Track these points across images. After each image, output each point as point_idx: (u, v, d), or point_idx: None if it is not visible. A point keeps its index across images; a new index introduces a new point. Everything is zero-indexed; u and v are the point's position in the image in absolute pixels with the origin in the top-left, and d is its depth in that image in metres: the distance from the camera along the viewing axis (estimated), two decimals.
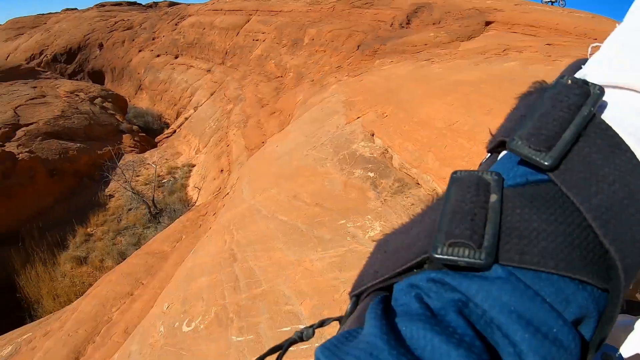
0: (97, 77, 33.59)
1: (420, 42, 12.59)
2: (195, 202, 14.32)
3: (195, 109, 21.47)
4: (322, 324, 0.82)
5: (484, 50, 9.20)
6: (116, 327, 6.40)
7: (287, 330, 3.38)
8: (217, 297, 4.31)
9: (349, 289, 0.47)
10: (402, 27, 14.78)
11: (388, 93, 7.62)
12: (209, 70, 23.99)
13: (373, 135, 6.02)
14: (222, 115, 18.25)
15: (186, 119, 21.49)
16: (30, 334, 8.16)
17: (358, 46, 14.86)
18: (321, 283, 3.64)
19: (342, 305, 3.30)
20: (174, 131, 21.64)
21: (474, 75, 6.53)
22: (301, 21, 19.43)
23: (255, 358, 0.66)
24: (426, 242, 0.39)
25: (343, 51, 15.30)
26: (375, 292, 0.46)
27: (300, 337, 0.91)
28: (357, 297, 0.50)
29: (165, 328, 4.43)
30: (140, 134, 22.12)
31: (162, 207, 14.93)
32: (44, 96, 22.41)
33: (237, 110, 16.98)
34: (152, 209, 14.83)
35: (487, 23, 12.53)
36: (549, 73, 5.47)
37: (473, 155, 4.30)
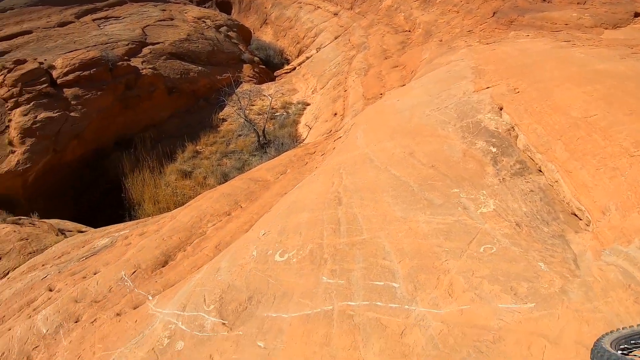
0: (225, 7, 34.68)
1: (560, 21, 11.54)
2: (304, 140, 14.62)
3: (318, 49, 21.55)
4: None
5: (631, 43, 8.25)
6: (208, 241, 6.75)
7: (380, 285, 3.42)
8: (315, 235, 4.40)
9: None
10: (544, 0, 13.56)
11: (522, 68, 7.14)
12: (336, 14, 23.79)
13: (501, 109, 5.73)
14: (344, 60, 18.18)
15: (307, 58, 21.67)
16: (128, 231, 8.95)
17: (494, 13, 13.92)
18: (423, 246, 3.62)
19: (440, 274, 3.27)
20: (294, 68, 21.96)
21: (619, 68, 5.90)
22: None
23: None
24: None
25: (477, 15, 14.41)
26: None
27: None
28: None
29: (258, 253, 4.61)
30: (260, 66, 22.78)
31: (271, 139, 15.42)
32: (172, 19, 23.70)
33: (360, 58, 16.82)
34: (261, 139, 15.38)
35: (637, 15, 11.12)
36: None
37: (606, 156, 3.95)
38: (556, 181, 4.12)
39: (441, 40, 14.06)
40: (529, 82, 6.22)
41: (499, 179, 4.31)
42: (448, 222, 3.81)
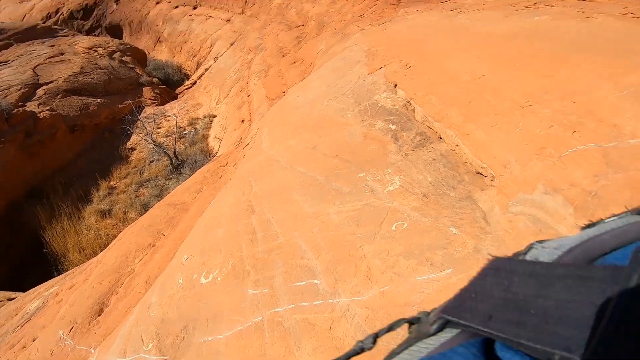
0: (115, 31, 33.36)
1: None
2: (217, 153, 14.40)
3: (216, 59, 21.23)
4: (390, 328, 0.78)
5: (514, 1, 8.72)
6: (138, 278, 6.52)
7: (302, 285, 3.35)
8: (234, 249, 4.30)
9: (428, 308, 0.42)
10: None
11: (412, 43, 7.32)
12: (228, 20, 23.54)
13: (396, 86, 5.80)
14: (243, 65, 18.01)
15: (206, 69, 21.31)
16: (57, 287, 8.44)
17: None
18: (338, 237, 3.57)
19: (357, 261, 3.23)
20: (194, 82, 21.54)
21: (503, 28, 6.17)
22: None
23: None
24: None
25: None
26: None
27: (362, 349, 0.88)
28: (445, 322, 0.57)
29: (184, 280, 4.46)
30: (160, 87, 22.12)
31: (184, 159, 15.11)
32: (62, 54, 22.48)
33: (258, 60, 16.71)
34: (173, 161, 14.99)
35: None
36: (582, 30, 5.12)
37: (499, 112, 4.07)
38: (456, 145, 4.19)
39: (335, 29, 14.21)
40: (420, 55, 6.36)
41: (402, 155, 4.33)
42: (357, 208, 3.77)
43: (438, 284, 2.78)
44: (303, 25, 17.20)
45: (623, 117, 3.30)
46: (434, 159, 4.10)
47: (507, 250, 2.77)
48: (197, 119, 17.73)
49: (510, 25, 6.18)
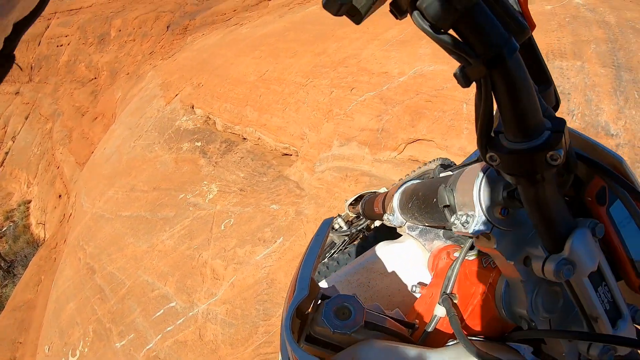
0: None
1: (229, 9, 12.45)
2: (45, 239, 13.19)
3: (14, 139, 19.24)
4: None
5: (288, 2, 9.45)
6: None
7: (161, 314, 3.43)
8: (89, 315, 4.20)
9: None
10: None
11: (201, 64, 7.58)
12: (17, 93, 21.37)
13: (193, 107, 6.02)
14: (44, 137, 16.68)
15: (6, 153, 19.23)
16: None
17: (167, 27, 14.28)
18: (177, 258, 3.71)
19: (201, 269, 3.43)
20: None
21: (279, 26, 6.74)
22: (104, 14, 17.98)
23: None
24: None
25: (153, 35, 14.62)
26: None
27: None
28: None
29: None
30: None
31: (12, 258, 13.59)
32: None
33: (58, 127, 15.62)
34: (2, 264, 13.41)
35: None
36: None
37: (286, 95, 4.53)
38: (258, 138, 4.56)
39: (128, 73, 13.92)
40: (209, 73, 6.65)
41: (213, 165, 4.59)
42: (187, 225, 3.95)
43: (275, 254, 3.12)
44: (96, 78, 16.47)
45: (390, 64, 3.97)
46: (242, 157, 4.42)
47: (322, 202, 3.19)
48: (12, 210, 16.02)
49: (284, 23, 6.77)
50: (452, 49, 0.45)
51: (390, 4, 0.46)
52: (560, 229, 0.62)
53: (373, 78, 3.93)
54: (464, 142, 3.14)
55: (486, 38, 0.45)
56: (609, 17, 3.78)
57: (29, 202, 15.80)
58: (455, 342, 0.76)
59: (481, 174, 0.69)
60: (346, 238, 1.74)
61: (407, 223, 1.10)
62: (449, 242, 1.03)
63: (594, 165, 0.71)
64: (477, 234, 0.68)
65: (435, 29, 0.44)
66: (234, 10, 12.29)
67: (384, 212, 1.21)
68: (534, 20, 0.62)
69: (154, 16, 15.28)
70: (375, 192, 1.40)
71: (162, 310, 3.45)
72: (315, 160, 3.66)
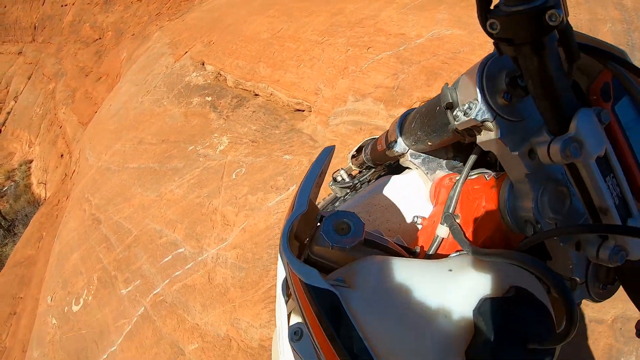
0: None
1: None
2: (46, 198, 13.21)
3: (16, 99, 19.15)
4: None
5: None
6: (13, 352, 5.99)
7: (169, 260, 3.43)
8: (94, 264, 4.18)
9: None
10: None
11: (212, 23, 7.46)
12: (20, 53, 21.18)
13: (203, 63, 5.93)
14: (46, 97, 16.57)
15: (8, 113, 19.18)
16: None
17: None
18: (186, 206, 3.68)
19: (212, 216, 3.41)
20: None
21: None
22: None
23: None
24: None
25: None
26: None
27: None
28: None
29: (57, 318, 4.23)
30: None
31: (13, 217, 13.65)
32: None
33: (61, 87, 15.50)
34: (2, 223, 13.47)
35: None
36: None
37: (300, 53, 4.48)
38: (271, 94, 4.50)
39: (133, 34, 13.74)
40: (221, 30, 6.54)
41: (224, 118, 4.53)
42: (196, 175, 3.93)
43: (288, 201, 3.09)
44: (100, 39, 16.27)
45: (407, 27, 3.92)
46: (254, 111, 4.37)
47: (336, 153, 3.18)
48: (13, 170, 16.04)
49: None
50: None
51: None
52: (565, 108, 0.60)
53: (390, 39, 3.88)
54: None
55: None
56: (626, 1, 3.75)
57: (31, 161, 15.81)
58: (460, 252, 0.76)
59: (484, 62, 0.69)
60: (348, 190, 1.75)
61: (409, 150, 1.08)
62: (450, 172, 1.02)
63: (599, 53, 0.68)
64: (480, 121, 0.67)
65: None
66: None
67: (387, 144, 1.19)
68: None
69: None
70: (376, 137, 1.39)
71: (170, 256, 3.44)
72: (329, 114, 3.63)
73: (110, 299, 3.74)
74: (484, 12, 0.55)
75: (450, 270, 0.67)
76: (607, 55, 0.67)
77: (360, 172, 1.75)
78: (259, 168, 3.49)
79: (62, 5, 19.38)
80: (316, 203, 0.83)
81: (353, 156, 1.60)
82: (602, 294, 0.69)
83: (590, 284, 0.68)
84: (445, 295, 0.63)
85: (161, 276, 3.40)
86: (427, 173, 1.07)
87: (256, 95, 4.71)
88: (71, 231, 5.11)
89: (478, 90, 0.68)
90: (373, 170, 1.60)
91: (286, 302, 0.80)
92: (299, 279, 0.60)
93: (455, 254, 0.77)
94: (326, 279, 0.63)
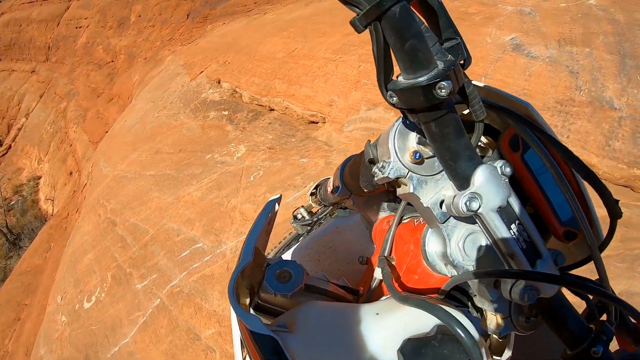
0: None
1: (250, 1, 12.68)
2: (53, 214, 13.30)
3: (27, 116, 19.43)
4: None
5: None
6: (16, 355, 5.97)
7: (187, 253, 3.55)
8: (108, 263, 4.29)
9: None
10: None
11: (227, 46, 7.77)
12: (33, 71, 21.55)
13: (219, 82, 6.21)
14: (57, 115, 16.85)
15: (19, 130, 19.41)
16: None
17: (188, 15, 14.48)
18: (205, 205, 3.84)
19: (230, 213, 3.56)
20: (9, 147, 19.46)
21: (307, 12, 7.00)
22: None
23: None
24: None
25: (173, 22, 14.82)
26: None
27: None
28: None
29: (67, 316, 4.30)
30: None
31: (19, 231, 13.69)
32: None
33: (72, 106, 15.81)
34: (9, 237, 13.50)
35: None
36: None
37: (315, 69, 4.76)
38: (286, 108, 4.76)
39: (146, 58, 14.13)
40: (236, 52, 6.85)
41: (240, 130, 4.76)
42: (214, 179, 4.10)
43: (305, 197, 3.24)
44: (113, 61, 16.68)
45: None
46: (270, 123, 4.61)
47: (350, 153, 3.42)
48: (22, 185, 16.18)
49: (311, 10, 7.00)
50: (346, 1, 0.53)
51: None
52: (466, 166, 0.65)
53: None
54: None
55: None
56: (619, 16, 4.08)
57: (39, 178, 15.95)
58: (388, 296, 0.79)
59: (396, 123, 0.73)
60: (309, 227, 1.80)
61: (351, 195, 1.15)
62: (391, 213, 1.07)
63: (500, 110, 0.73)
64: (393, 178, 0.71)
65: None
66: (255, 2, 12.39)
67: (332, 189, 1.27)
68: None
69: (175, 3, 15.46)
70: (329, 178, 1.44)
71: (188, 251, 3.56)
72: (343, 122, 3.87)
73: (124, 294, 3.84)
74: (384, 85, 0.60)
75: (377, 313, 0.71)
76: (508, 113, 0.73)
77: (319, 209, 1.79)
78: (277, 170, 3.69)
79: (76, 27, 19.85)
80: (266, 249, 0.92)
81: (312, 193, 1.62)
82: (527, 327, 0.72)
83: (515, 318, 0.71)
84: (372, 337, 0.67)
85: (179, 269, 3.51)
86: (370, 215, 1.14)
87: (271, 109, 4.96)
88: (85, 234, 5.22)
89: (391, 149, 0.72)
90: (330, 207, 1.64)
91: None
92: (244, 326, 0.64)
93: (384, 298, 0.81)
94: (269, 325, 0.70)
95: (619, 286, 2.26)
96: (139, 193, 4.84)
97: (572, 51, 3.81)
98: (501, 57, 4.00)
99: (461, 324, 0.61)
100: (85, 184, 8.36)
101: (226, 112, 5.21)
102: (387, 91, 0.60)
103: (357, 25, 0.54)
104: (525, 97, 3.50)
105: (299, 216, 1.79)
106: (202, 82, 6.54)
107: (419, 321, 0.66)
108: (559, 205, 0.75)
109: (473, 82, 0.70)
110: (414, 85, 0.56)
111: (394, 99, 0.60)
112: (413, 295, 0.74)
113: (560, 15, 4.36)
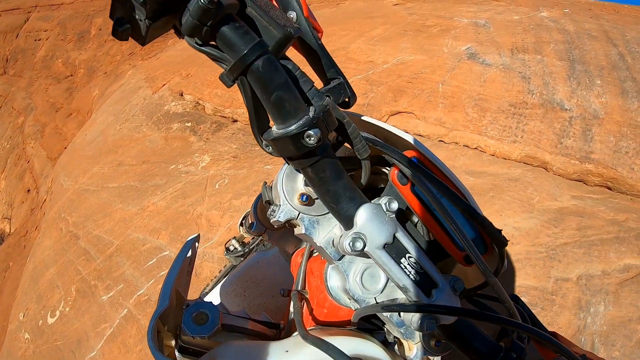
0: None
1: None
2: (10, 233, 12.84)
3: None
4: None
5: None
6: None
7: (154, 262, 3.56)
8: (72, 276, 4.22)
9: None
10: None
11: (189, 59, 7.73)
12: None
13: (182, 94, 6.24)
14: (15, 131, 16.32)
15: None
16: None
17: None
18: (170, 214, 3.87)
19: (196, 220, 3.61)
20: None
21: None
22: (86, 11, 17.89)
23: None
24: None
25: None
26: None
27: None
28: None
29: (30, 332, 4.20)
30: None
31: None
32: None
33: (30, 122, 15.37)
34: None
35: None
36: (333, 12, 6.23)
37: None
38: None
39: (106, 72, 13.94)
40: (198, 65, 6.87)
41: (204, 140, 4.82)
42: (179, 188, 4.14)
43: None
44: (72, 75, 16.34)
45: (375, 55, 4.50)
46: (233, 133, 4.69)
47: None
48: None
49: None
50: (213, 58, 0.56)
51: (174, 31, 0.58)
52: (348, 207, 0.67)
53: (360, 65, 4.38)
54: (440, 114, 3.66)
55: (232, 49, 0.55)
56: (569, 27, 4.39)
57: None
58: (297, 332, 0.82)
59: (284, 167, 0.76)
60: (242, 259, 1.82)
61: (266, 230, 1.20)
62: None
63: (381, 147, 0.75)
64: (284, 221, 0.74)
65: (198, 44, 0.55)
66: None
67: (249, 225, 1.31)
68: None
69: None
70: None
71: (154, 259, 3.58)
72: None
73: (89, 307, 3.79)
74: (259, 135, 0.63)
75: (287, 351, 0.72)
76: (388, 150, 0.74)
77: (251, 239, 1.82)
78: (242, 178, 3.77)
79: (35, 40, 19.28)
80: (187, 290, 0.93)
81: (241, 224, 1.65)
82: (439, 350, 0.74)
83: (425, 343, 0.73)
84: None
85: (145, 278, 3.52)
86: (287, 248, 1.17)
87: (235, 120, 5.04)
88: (46, 249, 5.12)
89: (280, 193, 0.74)
90: (260, 237, 1.67)
91: None
92: None
93: (295, 334, 0.81)
94: None
95: (577, 270, 2.44)
96: (102, 205, 4.81)
97: (524, 58, 4.10)
98: (457, 66, 4.22)
99: None
100: (45, 200, 8.17)
101: (189, 124, 5.26)
102: (262, 141, 0.64)
103: (226, 80, 0.58)
104: (481, 102, 3.75)
105: (231, 248, 1.83)
106: (164, 94, 6.55)
107: (327, 358, 0.66)
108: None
109: (363, 118, 0.78)
110: (284, 135, 0.59)
111: (269, 148, 0.63)
112: (322, 330, 0.77)
113: (513, 27, 4.67)
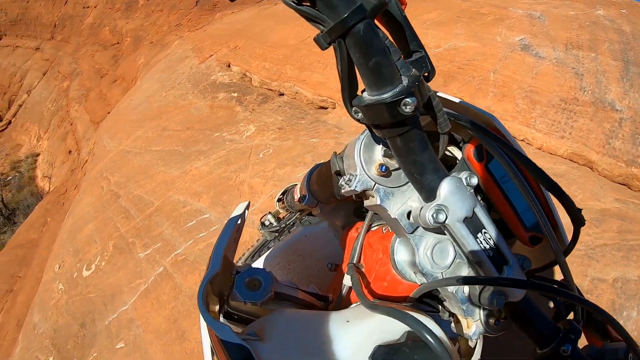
0: None
1: None
2: (49, 191, 13.28)
3: (29, 92, 19.37)
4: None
5: None
6: (7, 326, 5.92)
7: (193, 224, 3.58)
8: (110, 232, 4.29)
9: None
10: None
11: (237, 32, 7.81)
12: (37, 48, 21.39)
13: (229, 65, 6.26)
14: (60, 94, 16.83)
15: (20, 106, 19.35)
16: None
17: (197, 1, 14.51)
18: (212, 179, 3.89)
19: (239, 187, 3.62)
20: (9, 122, 19.40)
21: None
22: None
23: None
24: None
25: (181, 8, 14.81)
26: None
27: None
28: None
29: (65, 283, 4.27)
30: None
31: (14, 207, 13.68)
32: None
33: (75, 86, 15.79)
34: (3, 211, 13.50)
35: None
36: None
37: (328, 57, 4.84)
38: (296, 93, 4.82)
39: (152, 42, 14.14)
40: (247, 38, 6.91)
41: (250, 111, 4.83)
42: (223, 155, 4.16)
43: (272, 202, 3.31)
44: (119, 43, 16.67)
45: (427, 39, 4.43)
46: (279, 106, 4.68)
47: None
48: (20, 161, 16.18)
49: None
50: (309, 18, 0.55)
51: None
52: (432, 179, 0.67)
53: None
54: (489, 102, 3.60)
55: (332, 11, 0.53)
56: (625, 27, 4.26)
57: (37, 155, 15.94)
58: (358, 303, 0.81)
59: (362, 136, 0.74)
60: (277, 234, 1.81)
61: (319, 203, 1.16)
62: (358, 221, 1.05)
63: (464, 122, 0.75)
64: (360, 191, 0.73)
65: (295, 2, 0.55)
66: None
67: (299, 198, 1.28)
68: None
69: None
70: (296, 184, 1.44)
71: (194, 221, 3.60)
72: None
73: (126, 263, 3.84)
74: (349, 101, 0.61)
75: (348, 321, 0.73)
76: (471, 125, 0.74)
77: (287, 215, 1.78)
78: (287, 149, 3.75)
79: (84, 7, 19.75)
80: (235, 257, 0.91)
81: (279, 199, 1.62)
82: (497, 329, 0.73)
83: (485, 321, 0.72)
84: (343, 345, 0.68)
85: (184, 238, 3.54)
86: (337, 223, 1.15)
87: (281, 94, 5.02)
88: (86, 206, 5.22)
89: (356, 163, 0.73)
90: (298, 214, 1.63)
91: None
92: (215, 334, 0.65)
93: (354, 305, 0.82)
94: (240, 333, 0.70)
95: (614, 272, 2.35)
96: (145, 167, 4.87)
97: (578, 55, 3.96)
98: (510, 56, 4.09)
99: (430, 330, 0.63)
100: (86, 160, 8.38)
101: (235, 94, 5.27)
102: (351, 107, 0.62)
103: (321, 43, 0.57)
104: (531, 94, 3.63)
105: (267, 223, 1.80)
106: (211, 64, 6.59)
107: (389, 328, 0.68)
108: (524, 211, 0.77)
109: (439, 94, 0.75)
110: (379, 101, 0.57)
111: (359, 114, 0.61)
112: (382, 303, 0.75)
113: (568, 22, 4.51)
